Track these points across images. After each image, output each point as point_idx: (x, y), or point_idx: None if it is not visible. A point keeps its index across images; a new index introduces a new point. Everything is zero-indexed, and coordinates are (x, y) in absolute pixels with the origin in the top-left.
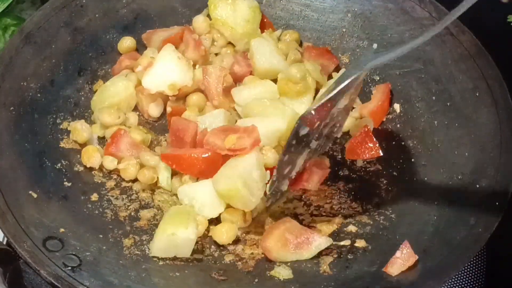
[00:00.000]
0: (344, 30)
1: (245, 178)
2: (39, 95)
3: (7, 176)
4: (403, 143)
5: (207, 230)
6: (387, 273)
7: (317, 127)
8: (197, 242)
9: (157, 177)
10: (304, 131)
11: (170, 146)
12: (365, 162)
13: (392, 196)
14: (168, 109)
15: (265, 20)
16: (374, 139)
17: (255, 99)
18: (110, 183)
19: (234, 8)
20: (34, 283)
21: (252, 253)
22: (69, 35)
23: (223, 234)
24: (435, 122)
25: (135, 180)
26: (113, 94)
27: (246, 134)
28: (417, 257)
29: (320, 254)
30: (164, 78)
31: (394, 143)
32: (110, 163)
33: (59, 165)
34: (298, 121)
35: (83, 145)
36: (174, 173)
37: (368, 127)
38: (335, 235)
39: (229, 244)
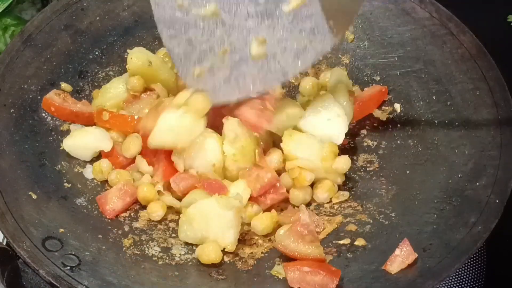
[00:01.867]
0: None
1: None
2: (39, 96)
3: (7, 176)
4: (403, 143)
5: None
6: (387, 271)
7: None
8: None
9: None
10: None
11: None
12: (365, 162)
13: (392, 195)
14: None
15: None
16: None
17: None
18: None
19: None
20: (33, 282)
21: (252, 252)
22: (70, 37)
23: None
24: (435, 122)
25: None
26: (113, 96)
27: None
28: (416, 255)
29: None
30: None
31: (394, 143)
32: None
33: (59, 166)
34: None
35: None
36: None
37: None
38: (335, 234)
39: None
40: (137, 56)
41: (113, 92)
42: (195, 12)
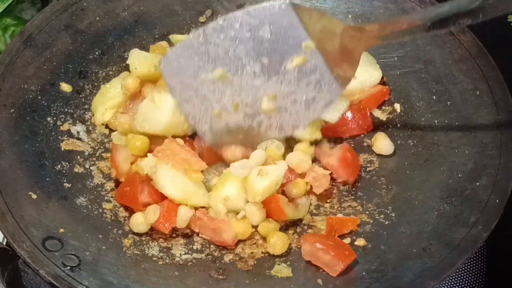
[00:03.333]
0: None
1: None
2: (39, 96)
3: (7, 176)
4: (403, 143)
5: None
6: (388, 271)
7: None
8: (196, 242)
9: None
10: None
11: None
12: (365, 162)
13: (392, 195)
14: None
15: None
16: None
17: None
18: (110, 184)
19: None
20: (33, 282)
21: (252, 252)
22: (70, 37)
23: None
24: (435, 122)
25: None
26: (113, 96)
27: None
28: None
29: None
30: None
31: (394, 143)
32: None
33: (59, 166)
34: None
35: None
36: None
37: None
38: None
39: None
40: (140, 64)
41: (112, 92)
42: (204, 77)
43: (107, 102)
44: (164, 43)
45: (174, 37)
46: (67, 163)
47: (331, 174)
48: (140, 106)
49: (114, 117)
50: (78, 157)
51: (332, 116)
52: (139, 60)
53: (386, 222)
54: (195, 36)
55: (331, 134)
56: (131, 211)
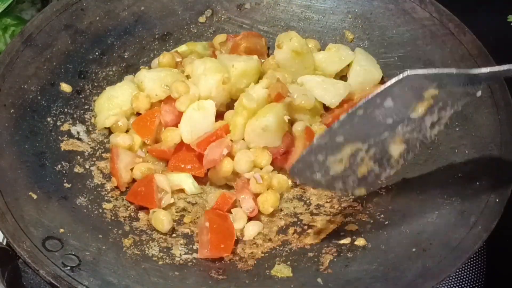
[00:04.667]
0: (344, 31)
1: None
2: (39, 96)
3: (7, 176)
4: None
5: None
6: (386, 271)
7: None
8: (196, 242)
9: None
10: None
11: None
12: None
13: (392, 195)
14: None
15: None
16: None
17: None
18: (110, 184)
19: None
20: (33, 282)
21: (252, 252)
22: (70, 37)
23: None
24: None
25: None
26: (121, 103)
27: None
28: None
29: (320, 253)
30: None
31: None
32: None
33: (59, 166)
34: None
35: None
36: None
37: None
38: (335, 234)
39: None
40: (159, 88)
41: (121, 99)
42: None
43: (113, 108)
44: (175, 53)
45: (189, 45)
46: (67, 163)
47: None
48: (183, 117)
49: (116, 122)
50: (78, 157)
51: (332, 100)
52: (155, 84)
53: (386, 222)
54: (320, 137)
55: None
56: (131, 211)
